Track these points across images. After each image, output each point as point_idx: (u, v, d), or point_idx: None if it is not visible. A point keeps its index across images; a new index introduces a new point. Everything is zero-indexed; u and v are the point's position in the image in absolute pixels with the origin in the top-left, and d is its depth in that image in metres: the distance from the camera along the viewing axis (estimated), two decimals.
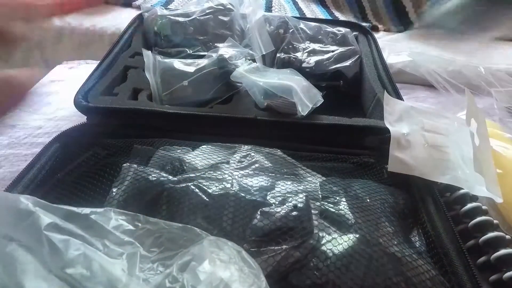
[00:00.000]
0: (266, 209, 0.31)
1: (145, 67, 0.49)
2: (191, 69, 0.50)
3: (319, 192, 0.34)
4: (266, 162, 0.38)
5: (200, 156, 0.38)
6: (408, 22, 0.93)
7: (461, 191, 0.40)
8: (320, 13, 0.97)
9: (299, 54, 0.59)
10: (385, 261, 0.29)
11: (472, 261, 0.32)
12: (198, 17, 0.60)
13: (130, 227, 0.27)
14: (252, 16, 0.59)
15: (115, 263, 0.25)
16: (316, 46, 0.61)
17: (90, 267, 0.25)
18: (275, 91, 0.44)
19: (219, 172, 0.34)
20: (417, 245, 0.34)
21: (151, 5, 0.87)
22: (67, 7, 0.86)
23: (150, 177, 0.34)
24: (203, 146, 0.40)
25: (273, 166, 0.38)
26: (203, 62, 0.51)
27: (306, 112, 0.43)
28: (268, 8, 0.97)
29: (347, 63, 0.58)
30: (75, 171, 0.39)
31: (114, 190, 0.33)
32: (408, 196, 0.38)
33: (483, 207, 0.39)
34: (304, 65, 0.57)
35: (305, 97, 0.44)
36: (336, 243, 0.29)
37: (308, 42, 0.62)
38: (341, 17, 0.96)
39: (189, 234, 0.27)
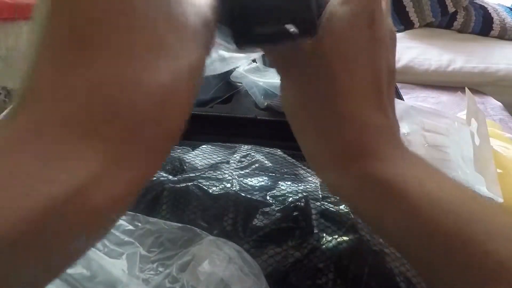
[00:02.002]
0: (266, 209, 0.31)
1: None
2: None
3: (320, 191, 0.34)
4: (266, 161, 0.38)
5: (200, 156, 0.38)
6: (409, 22, 0.93)
7: None
8: None
9: None
10: (385, 261, 0.29)
11: None
12: None
13: (130, 227, 0.27)
14: None
15: (115, 263, 0.25)
16: None
17: (90, 267, 0.25)
18: (275, 91, 0.44)
19: (219, 172, 0.34)
20: None
21: None
22: None
23: None
24: (203, 146, 0.40)
25: (273, 165, 0.38)
26: None
27: None
28: None
29: None
30: None
31: None
32: None
33: None
34: None
35: None
36: (336, 243, 0.29)
37: None
38: None
39: (189, 234, 0.27)
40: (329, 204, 0.33)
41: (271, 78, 0.46)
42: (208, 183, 0.33)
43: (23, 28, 1.07)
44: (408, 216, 0.18)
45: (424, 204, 0.18)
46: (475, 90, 0.73)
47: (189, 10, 0.15)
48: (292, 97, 0.22)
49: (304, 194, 0.32)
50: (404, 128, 0.42)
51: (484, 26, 0.89)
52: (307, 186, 0.34)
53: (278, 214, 0.30)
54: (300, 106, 0.22)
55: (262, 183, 0.34)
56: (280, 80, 0.23)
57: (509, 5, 0.94)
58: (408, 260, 0.21)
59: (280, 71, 0.23)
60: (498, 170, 0.41)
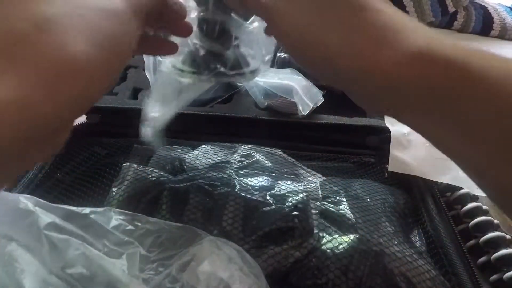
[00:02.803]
0: (266, 209, 0.31)
1: (145, 66, 0.49)
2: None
3: (320, 191, 0.34)
4: (266, 161, 0.38)
5: (200, 156, 0.38)
6: None
7: (462, 191, 0.40)
8: None
9: None
10: (385, 261, 0.29)
11: (473, 261, 0.32)
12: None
13: (130, 227, 0.27)
14: None
15: (115, 263, 0.25)
16: None
17: (90, 267, 0.25)
18: (275, 91, 0.44)
19: (219, 172, 0.34)
20: (417, 245, 0.34)
21: None
22: None
23: (150, 176, 0.34)
24: (203, 146, 0.40)
25: (273, 165, 0.38)
26: None
27: (307, 112, 0.43)
28: None
29: None
30: (74, 170, 0.39)
31: (114, 189, 0.33)
32: (409, 196, 0.38)
33: (484, 207, 0.39)
34: None
35: (306, 97, 0.44)
36: (336, 243, 0.29)
37: None
38: None
39: (189, 234, 0.27)
40: (329, 204, 0.33)
41: (272, 78, 0.46)
42: (208, 183, 0.33)
43: None
44: (490, 91, 0.16)
45: (496, 76, 0.16)
46: None
47: None
48: (301, 24, 0.22)
49: (304, 194, 0.32)
50: (404, 128, 0.42)
51: (485, 26, 0.89)
52: (307, 186, 0.34)
53: (278, 214, 0.30)
54: (309, 24, 0.22)
55: (262, 183, 0.34)
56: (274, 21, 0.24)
57: (509, 5, 0.94)
58: (484, 153, 0.17)
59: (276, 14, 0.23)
60: None
